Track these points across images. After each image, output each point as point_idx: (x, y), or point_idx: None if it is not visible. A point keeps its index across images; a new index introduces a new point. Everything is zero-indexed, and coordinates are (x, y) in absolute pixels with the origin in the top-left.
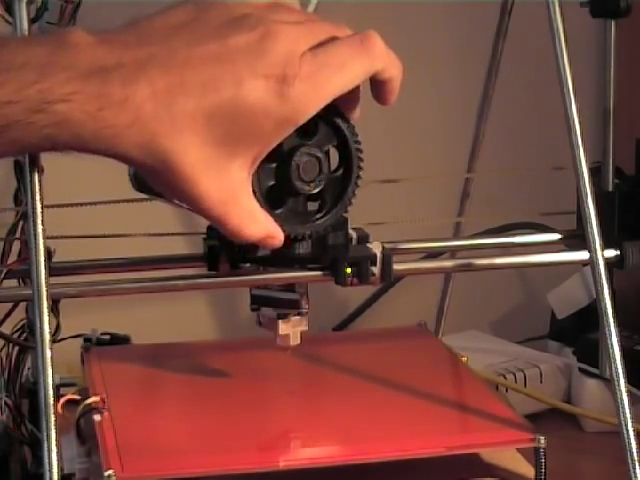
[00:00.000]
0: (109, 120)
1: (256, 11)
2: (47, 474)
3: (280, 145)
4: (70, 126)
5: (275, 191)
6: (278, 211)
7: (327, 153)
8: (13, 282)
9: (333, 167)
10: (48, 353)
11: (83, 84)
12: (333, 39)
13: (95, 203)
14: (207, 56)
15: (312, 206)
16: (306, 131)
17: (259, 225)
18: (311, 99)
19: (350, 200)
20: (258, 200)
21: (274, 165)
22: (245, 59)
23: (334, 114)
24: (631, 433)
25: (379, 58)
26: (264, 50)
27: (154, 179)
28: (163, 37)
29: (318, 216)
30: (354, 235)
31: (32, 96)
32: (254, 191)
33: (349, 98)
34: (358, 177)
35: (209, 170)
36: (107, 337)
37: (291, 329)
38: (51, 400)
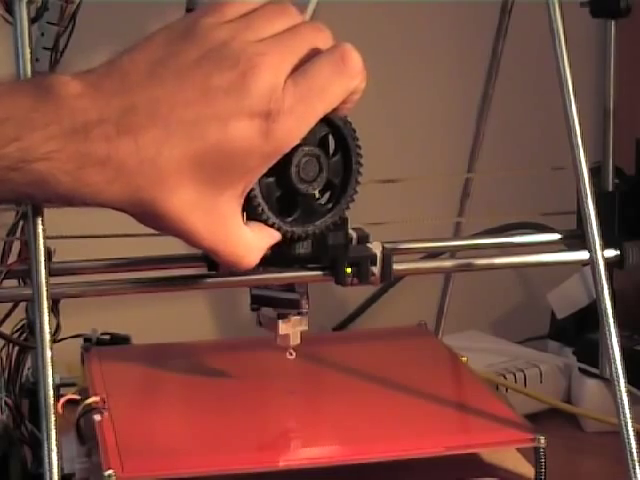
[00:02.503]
0: (90, 178)
1: (233, 33)
2: (47, 474)
3: None
4: (49, 185)
5: (284, 200)
6: (291, 217)
7: (322, 147)
8: (13, 282)
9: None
10: (48, 353)
11: (64, 142)
12: (313, 51)
13: None
14: (189, 100)
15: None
16: None
17: (254, 254)
18: (296, 130)
19: (354, 188)
20: (266, 216)
21: (273, 179)
22: (227, 100)
23: None
24: (631, 433)
25: (357, 75)
26: (247, 89)
27: (142, 222)
28: (144, 81)
29: (331, 203)
30: (354, 235)
31: (11, 154)
32: (262, 209)
33: None
34: (359, 163)
35: (196, 209)
36: (107, 337)
37: (291, 329)
38: (51, 400)
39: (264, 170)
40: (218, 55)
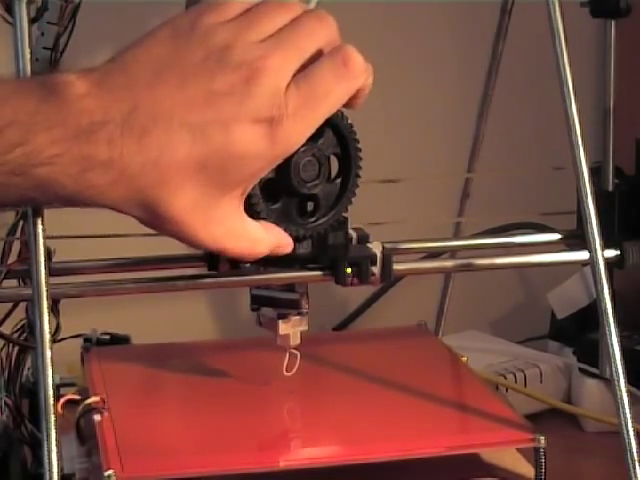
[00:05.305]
0: (92, 181)
1: (235, 34)
2: (47, 474)
3: None
4: (52, 188)
5: (273, 185)
6: (274, 206)
7: (328, 159)
8: (13, 282)
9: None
10: (48, 353)
11: (68, 145)
12: (315, 44)
13: None
14: (193, 103)
15: (309, 206)
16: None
17: (262, 244)
18: (299, 134)
19: (346, 207)
20: (254, 192)
21: None
22: (231, 104)
23: (341, 123)
24: (631, 433)
25: (359, 76)
26: (249, 94)
27: (145, 224)
28: (148, 81)
29: (313, 218)
30: (354, 235)
31: (15, 159)
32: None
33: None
34: (355, 186)
35: (198, 210)
36: (107, 337)
37: (291, 329)
38: (51, 400)
39: (267, 172)
40: (221, 58)
